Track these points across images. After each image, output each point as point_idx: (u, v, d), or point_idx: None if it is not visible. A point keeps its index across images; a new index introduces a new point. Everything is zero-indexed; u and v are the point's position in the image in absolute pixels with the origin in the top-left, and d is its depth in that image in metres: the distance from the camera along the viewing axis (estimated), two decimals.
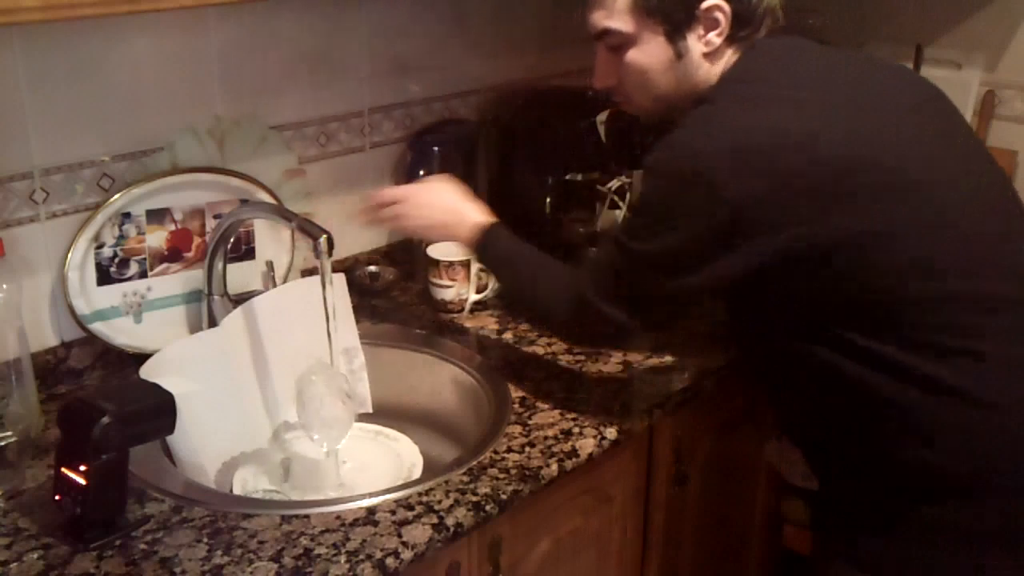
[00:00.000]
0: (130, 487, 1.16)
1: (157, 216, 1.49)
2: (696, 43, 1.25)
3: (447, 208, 1.45)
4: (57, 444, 1.14)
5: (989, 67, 2.08)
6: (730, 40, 1.25)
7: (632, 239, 1.24)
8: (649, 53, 1.26)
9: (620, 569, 1.53)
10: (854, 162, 1.14)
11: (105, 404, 1.10)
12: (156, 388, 1.19)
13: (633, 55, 1.27)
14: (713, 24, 1.23)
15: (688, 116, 1.22)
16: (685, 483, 1.58)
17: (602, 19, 1.27)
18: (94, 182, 1.44)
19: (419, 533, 1.13)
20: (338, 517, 1.16)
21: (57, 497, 1.12)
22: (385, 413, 1.54)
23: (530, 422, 1.37)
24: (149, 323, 1.52)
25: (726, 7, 1.22)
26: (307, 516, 1.16)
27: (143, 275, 1.50)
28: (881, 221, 1.14)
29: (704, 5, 1.22)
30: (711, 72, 1.26)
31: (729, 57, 1.26)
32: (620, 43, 1.27)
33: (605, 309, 1.26)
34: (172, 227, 1.52)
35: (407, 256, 1.85)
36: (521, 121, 1.91)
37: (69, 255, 1.41)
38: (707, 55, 1.25)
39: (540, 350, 1.58)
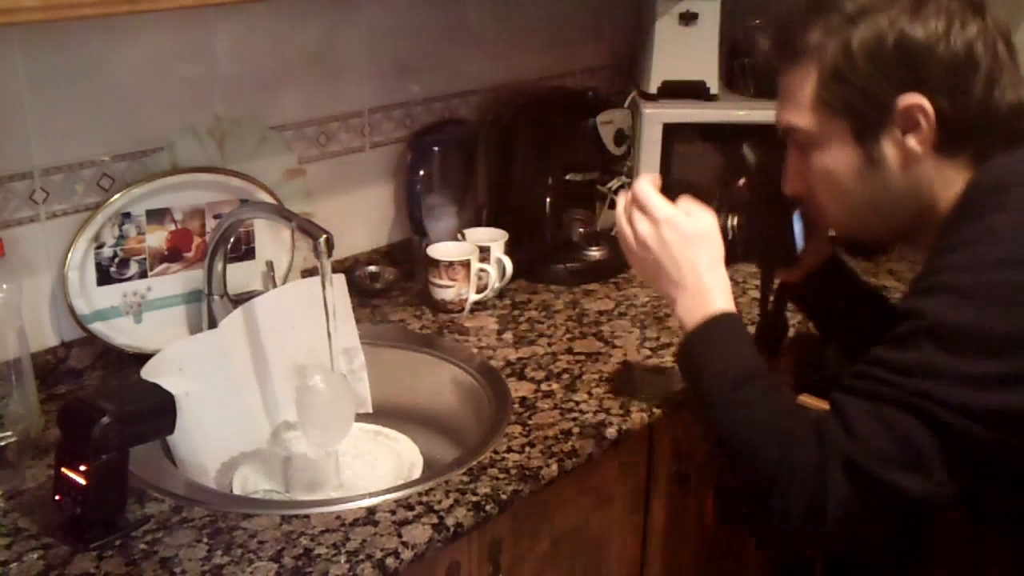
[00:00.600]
0: (130, 487, 1.16)
1: (157, 216, 1.49)
2: (891, 149, 1.03)
3: (685, 264, 1.15)
4: (57, 444, 1.14)
5: None
6: (943, 150, 1.02)
7: (961, 387, 0.91)
8: (835, 157, 1.06)
9: (620, 569, 1.53)
10: None
11: (105, 404, 1.10)
12: (156, 388, 1.19)
13: (818, 158, 1.08)
14: (912, 126, 1.01)
15: (967, 230, 0.97)
16: (685, 483, 1.58)
17: (783, 114, 1.10)
18: (94, 182, 1.44)
19: (419, 533, 1.13)
20: (338, 517, 1.16)
21: (57, 497, 1.12)
22: (385, 413, 1.54)
23: (530, 422, 1.37)
24: (149, 323, 1.52)
25: (928, 108, 0.99)
26: (307, 516, 1.16)
27: (143, 275, 1.50)
28: None
29: (902, 103, 1.00)
30: (933, 189, 1.03)
31: (950, 175, 1.02)
32: (805, 143, 1.09)
33: (891, 478, 0.93)
34: (172, 227, 1.52)
35: (407, 256, 1.85)
36: (521, 121, 1.91)
37: (69, 255, 1.41)
38: (907, 165, 1.03)
39: (540, 350, 1.58)
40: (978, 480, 0.94)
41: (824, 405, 1.02)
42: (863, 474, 0.93)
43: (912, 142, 1.02)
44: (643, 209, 1.19)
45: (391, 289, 1.79)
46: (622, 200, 1.23)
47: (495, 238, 1.76)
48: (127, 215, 1.46)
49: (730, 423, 1.05)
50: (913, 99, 1.00)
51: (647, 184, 1.20)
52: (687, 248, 1.15)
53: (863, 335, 1.02)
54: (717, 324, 1.11)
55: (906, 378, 0.93)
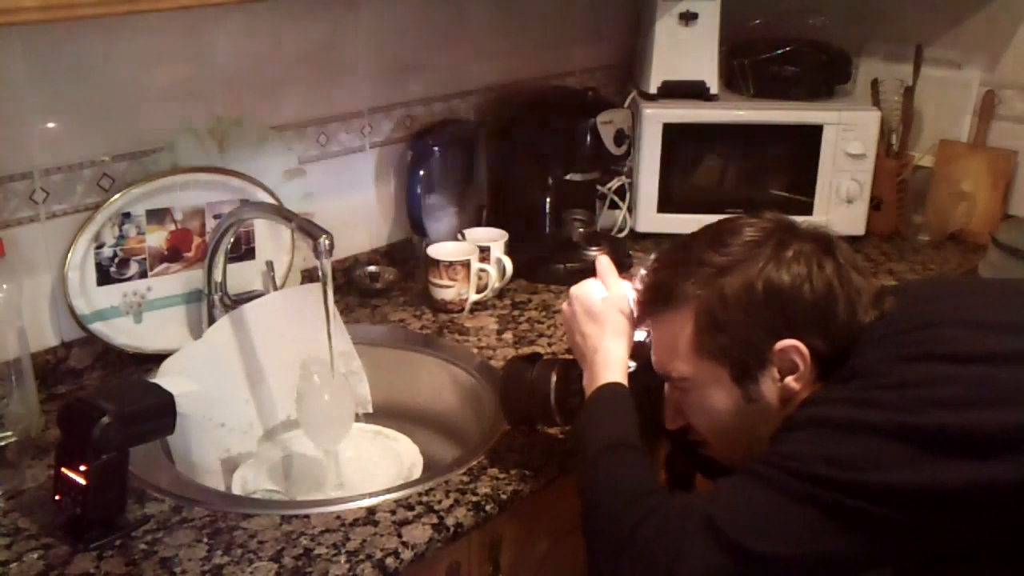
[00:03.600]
0: (130, 487, 1.16)
1: (157, 216, 1.49)
2: (770, 386, 1.06)
3: (587, 337, 1.20)
4: (57, 444, 1.14)
5: (989, 67, 2.08)
6: (819, 378, 1.06)
7: (827, 466, 0.95)
8: (714, 397, 1.09)
9: None
10: None
11: (105, 404, 1.10)
12: (156, 388, 1.19)
13: (697, 399, 1.11)
14: (790, 367, 1.05)
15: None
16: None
17: (660, 363, 1.13)
18: (94, 182, 1.44)
19: (419, 533, 1.13)
20: (338, 517, 1.16)
21: (57, 497, 1.12)
22: (385, 413, 1.54)
23: None
24: (149, 323, 1.52)
25: (804, 349, 1.04)
26: (307, 516, 1.16)
27: (143, 275, 1.50)
28: None
29: (778, 347, 1.04)
30: (796, 403, 1.06)
31: (819, 385, 1.06)
32: (683, 386, 1.12)
33: (749, 544, 0.95)
34: (172, 227, 1.52)
35: (407, 256, 1.85)
36: (521, 121, 1.91)
37: (69, 255, 1.41)
38: (786, 400, 1.06)
39: (540, 350, 1.58)
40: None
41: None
42: (723, 539, 0.95)
43: (791, 381, 1.05)
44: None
45: (391, 289, 1.79)
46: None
47: (495, 238, 1.76)
48: (127, 215, 1.46)
49: (593, 486, 1.07)
50: (788, 343, 1.04)
51: (603, 261, 1.25)
52: (587, 323, 1.20)
53: None
54: (601, 394, 1.14)
55: (778, 463, 0.97)
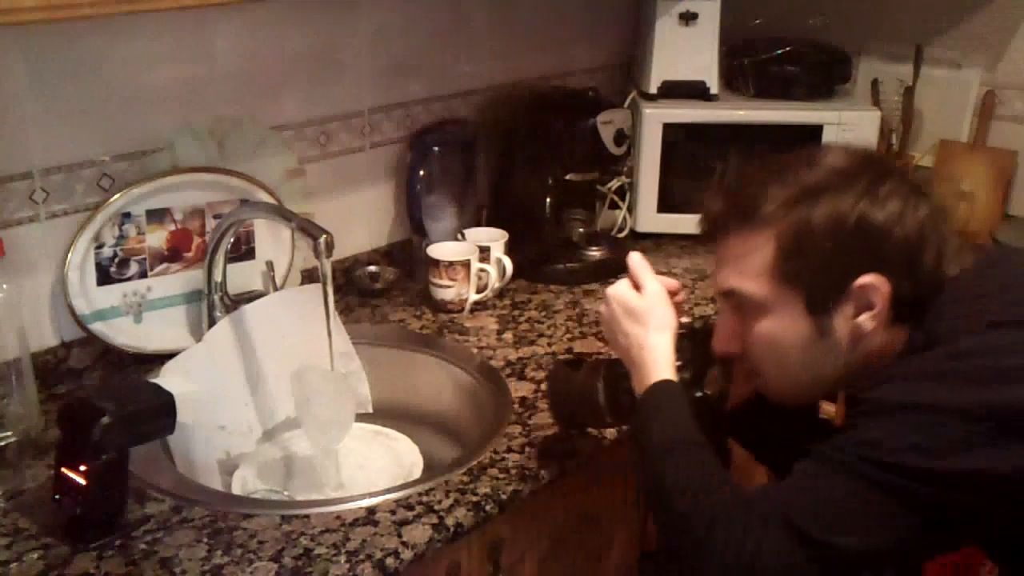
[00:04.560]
0: (130, 487, 1.16)
1: (157, 216, 1.49)
2: (843, 323, 1.04)
3: (631, 337, 1.16)
4: (57, 444, 1.14)
5: (989, 67, 2.08)
6: (892, 322, 1.03)
7: (907, 453, 0.93)
8: (783, 326, 1.06)
9: (620, 569, 1.53)
10: None
11: (105, 404, 1.10)
12: (156, 388, 1.19)
13: (763, 324, 1.07)
14: (867, 305, 1.02)
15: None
16: None
17: (730, 278, 1.08)
18: (94, 182, 1.44)
19: (419, 533, 1.13)
20: (338, 517, 1.16)
21: (57, 497, 1.12)
22: (385, 413, 1.54)
23: (530, 422, 1.37)
24: (149, 323, 1.52)
25: (885, 288, 1.01)
26: (307, 516, 1.16)
27: (143, 275, 1.50)
28: None
29: (859, 282, 1.01)
30: (874, 351, 1.04)
31: (893, 337, 1.04)
32: (749, 309, 1.08)
33: (825, 538, 0.94)
34: (172, 227, 1.52)
35: (407, 256, 1.85)
36: (521, 121, 1.91)
37: (69, 255, 1.41)
38: (856, 339, 1.04)
39: (540, 350, 1.58)
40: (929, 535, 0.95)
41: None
42: (800, 534, 0.93)
43: (865, 319, 1.03)
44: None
45: (391, 289, 1.79)
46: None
47: (495, 238, 1.76)
48: (127, 215, 1.46)
49: (661, 486, 1.05)
50: (870, 279, 1.01)
51: (635, 258, 1.21)
52: (628, 322, 1.16)
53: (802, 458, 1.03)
54: (655, 393, 1.11)
55: (857, 451, 0.95)
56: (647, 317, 1.15)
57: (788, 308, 1.05)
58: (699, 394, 1.15)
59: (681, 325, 1.17)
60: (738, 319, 1.10)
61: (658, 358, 1.13)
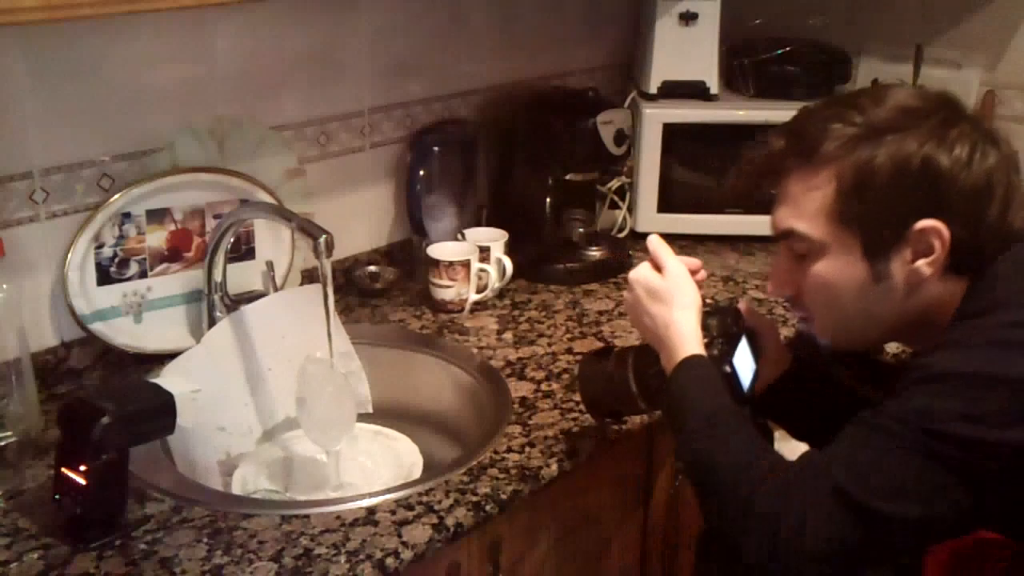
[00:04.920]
0: (130, 487, 1.16)
1: (157, 216, 1.49)
2: (900, 268, 1.02)
3: (656, 318, 1.15)
4: (57, 444, 1.14)
5: (989, 67, 2.08)
6: (950, 270, 1.02)
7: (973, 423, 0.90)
8: (840, 268, 1.04)
9: (620, 569, 1.53)
10: None
11: (105, 404, 1.10)
12: (156, 388, 1.19)
13: (820, 266, 1.05)
14: (926, 250, 1.00)
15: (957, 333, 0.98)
16: (685, 483, 1.58)
17: (788, 218, 1.06)
18: (94, 182, 1.44)
19: (419, 533, 1.13)
20: (338, 517, 1.16)
21: (57, 497, 1.12)
22: (385, 413, 1.54)
23: (530, 422, 1.37)
24: (149, 323, 1.51)
25: (945, 234, 0.99)
26: (307, 516, 1.16)
27: (143, 275, 1.50)
28: None
29: (919, 225, 0.99)
30: (932, 302, 1.03)
31: (951, 288, 1.02)
32: (806, 250, 1.06)
33: (877, 505, 0.92)
34: (172, 227, 1.52)
35: (407, 256, 1.85)
36: (521, 121, 1.91)
37: (69, 255, 1.41)
38: (913, 285, 1.02)
39: (540, 350, 1.58)
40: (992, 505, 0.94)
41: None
42: (848, 501, 0.92)
43: (923, 265, 1.01)
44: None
45: (391, 289, 1.79)
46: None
47: (495, 238, 1.76)
48: (127, 215, 1.46)
49: (701, 460, 1.04)
50: (931, 224, 0.99)
51: (654, 239, 1.20)
52: (652, 303, 1.15)
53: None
54: (685, 368, 1.10)
55: (909, 419, 0.93)
56: (670, 296, 1.14)
57: (845, 250, 1.03)
58: (728, 370, 1.13)
59: (705, 304, 1.16)
60: (794, 261, 1.08)
61: (685, 334, 1.11)
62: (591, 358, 1.29)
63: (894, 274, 1.02)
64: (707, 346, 1.13)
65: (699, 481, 1.05)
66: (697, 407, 1.06)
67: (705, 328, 1.15)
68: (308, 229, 1.32)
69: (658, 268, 1.17)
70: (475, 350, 1.58)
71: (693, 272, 1.18)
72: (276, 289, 1.58)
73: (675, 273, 1.16)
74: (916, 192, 0.99)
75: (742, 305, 1.23)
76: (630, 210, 2.06)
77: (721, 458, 1.01)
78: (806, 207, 1.04)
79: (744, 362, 1.18)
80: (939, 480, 0.91)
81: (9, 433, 1.29)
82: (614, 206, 2.06)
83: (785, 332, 1.57)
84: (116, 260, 1.47)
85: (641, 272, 1.18)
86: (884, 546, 0.94)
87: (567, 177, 1.87)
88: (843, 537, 0.92)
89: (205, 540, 1.12)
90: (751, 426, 1.05)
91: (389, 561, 1.09)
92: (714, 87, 2.04)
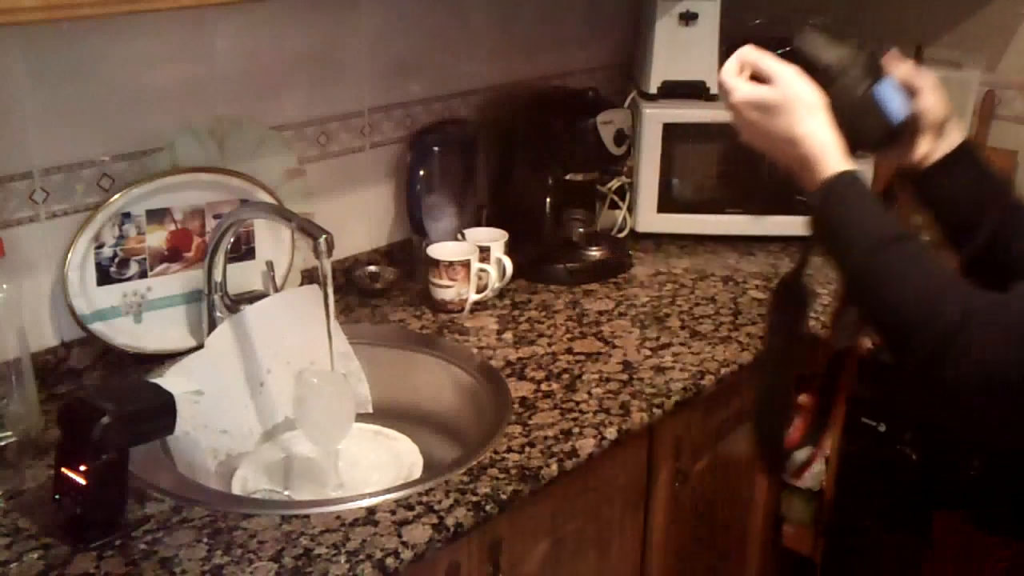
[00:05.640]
0: (130, 487, 1.16)
1: (157, 216, 1.49)
2: None
3: (790, 138, 1.02)
4: (57, 444, 1.14)
5: (989, 67, 2.08)
6: None
7: None
8: None
9: (620, 569, 1.53)
10: None
11: (105, 404, 1.10)
12: (156, 388, 1.19)
13: None
14: None
15: None
16: (685, 483, 1.58)
17: None
18: (94, 182, 1.44)
19: (419, 533, 1.13)
20: (338, 517, 1.16)
21: (57, 497, 1.12)
22: (385, 413, 1.54)
23: (530, 422, 1.37)
24: (149, 323, 1.52)
25: None
26: (307, 516, 1.16)
27: (143, 275, 1.50)
28: None
29: None
30: None
31: None
32: None
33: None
34: (172, 227, 1.52)
35: (407, 256, 1.85)
36: (521, 121, 1.91)
37: (69, 255, 1.41)
38: None
39: (540, 350, 1.58)
40: None
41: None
42: (1006, 345, 0.87)
43: None
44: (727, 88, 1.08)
45: (391, 289, 1.79)
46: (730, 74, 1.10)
47: (495, 238, 1.76)
48: (127, 215, 1.46)
49: (881, 291, 0.96)
50: None
51: (748, 50, 1.10)
52: (770, 120, 1.04)
53: (989, 235, 0.95)
54: (836, 187, 1.00)
55: None
56: (790, 105, 1.03)
57: None
58: (871, 96, 1.01)
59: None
60: None
61: (821, 146, 1.01)
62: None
63: None
64: (838, 75, 1.01)
65: (885, 316, 0.97)
66: (864, 233, 0.98)
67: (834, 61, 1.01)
68: (308, 229, 1.32)
69: (760, 79, 1.06)
70: (475, 350, 1.58)
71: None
72: (276, 289, 1.59)
73: (785, 76, 1.05)
74: None
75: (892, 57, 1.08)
76: (630, 210, 2.06)
77: (908, 288, 0.94)
78: None
79: (893, 101, 1.03)
80: None
81: (9, 433, 1.29)
82: (614, 206, 2.06)
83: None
84: (116, 260, 1.47)
85: (742, 92, 1.06)
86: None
87: (567, 177, 1.87)
88: (989, 376, 0.87)
89: (205, 540, 1.12)
90: (926, 245, 0.97)
91: (389, 561, 1.09)
92: (714, 87, 2.04)
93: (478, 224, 1.88)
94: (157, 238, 1.50)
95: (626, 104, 2.02)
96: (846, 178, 1.00)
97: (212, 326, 1.47)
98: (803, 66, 1.05)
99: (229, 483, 1.37)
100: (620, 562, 1.53)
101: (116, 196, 1.43)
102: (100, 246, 1.44)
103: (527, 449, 1.30)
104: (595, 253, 1.90)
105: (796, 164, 1.04)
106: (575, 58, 2.14)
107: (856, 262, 0.98)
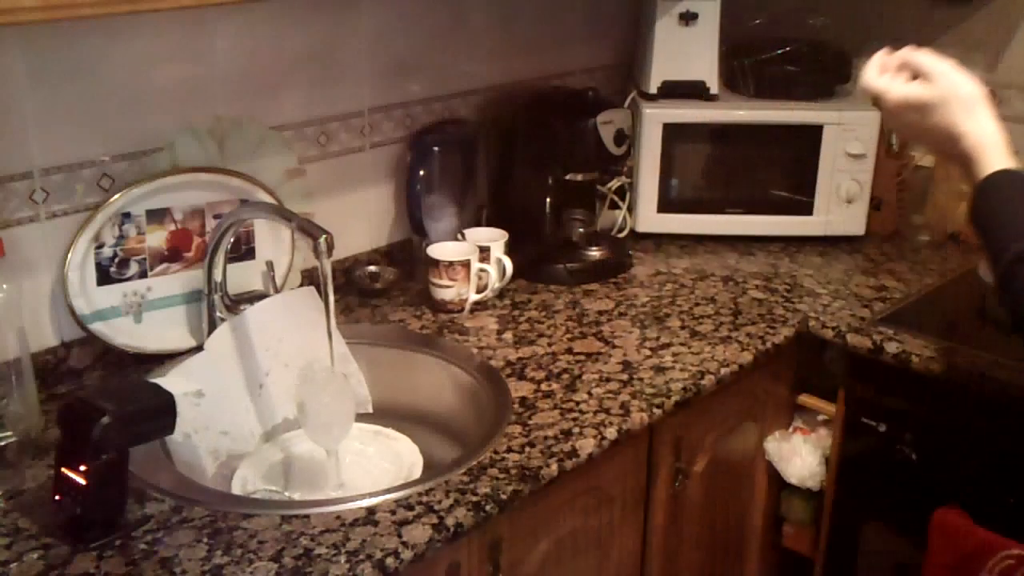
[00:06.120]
0: (130, 487, 1.16)
1: (157, 216, 1.49)
2: None
3: (949, 136, 1.00)
4: (57, 444, 1.14)
5: (989, 67, 2.07)
6: None
7: None
8: None
9: (620, 569, 1.53)
10: None
11: (105, 404, 1.10)
12: (156, 388, 1.19)
13: None
14: None
15: None
16: (685, 483, 1.58)
17: None
18: (94, 182, 1.44)
19: (419, 533, 1.13)
20: (338, 517, 1.16)
21: (57, 497, 1.12)
22: (385, 413, 1.54)
23: (530, 422, 1.37)
24: (149, 323, 1.51)
25: None
26: (307, 516, 1.16)
27: (143, 275, 1.50)
28: None
29: None
30: None
31: None
32: None
33: None
34: (172, 227, 1.52)
35: (407, 256, 1.85)
36: (521, 121, 1.91)
37: (69, 255, 1.41)
38: None
39: (540, 350, 1.58)
40: None
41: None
42: None
43: None
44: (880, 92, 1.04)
45: (391, 289, 1.79)
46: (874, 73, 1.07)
47: (495, 238, 1.76)
48: (127, 215, 1.46)
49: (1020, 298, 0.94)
50: None
51: (906, 52, 1.07)
52: (930, 119, 1.01)
53: None
54: (995, 187, 0.97)
55: None
56: (946, 102, 1.02)
57: None
58: None
59: None
60: None
61: (981, 144, 0.99)
62: None
63: None
64: None
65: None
66: (1011, 234, 0.95)
67: None
68: (308, 229, 1.32)
69: (920, 77, 1.02)
70: (475, 350, 1.58)
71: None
72: (276, 289, 1.59)
73: (943, 72, 1.02)
74: None
75: None
76: (630, 210, 2.06)
77: None
78: None
79: None
80: None
81: (9, 433, 1.29)
82: (614, 206, 2.06)
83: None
84: (116, 260, 1.47)
85: (898, 92, 1.04)
86: None
87: (567, 177, 1.87)
88: None
89: (205, 540, 1.12)
90: None
91: (389, 561, 1.09)
92: (714, 87, 2.04)
93: (478, 224, 1.88)
94: (157, 238, 1.50)
95: (626, 104, 2.02)
96: (1005, 177, 0.98)
97: (212, 326, 1.47)
98: None
99: (229, 483, 1.37)
100: (620, 562, 1.53)
101: (116, 196, 1.43)
102: (100, 246, 1.44)
103: (527, 449, 1.30)
104: (595, 253, 1.90)
105: (957, 161, 1.02)
106: (575, 58, 2.14)
107: (1003, 270, 0.97)
